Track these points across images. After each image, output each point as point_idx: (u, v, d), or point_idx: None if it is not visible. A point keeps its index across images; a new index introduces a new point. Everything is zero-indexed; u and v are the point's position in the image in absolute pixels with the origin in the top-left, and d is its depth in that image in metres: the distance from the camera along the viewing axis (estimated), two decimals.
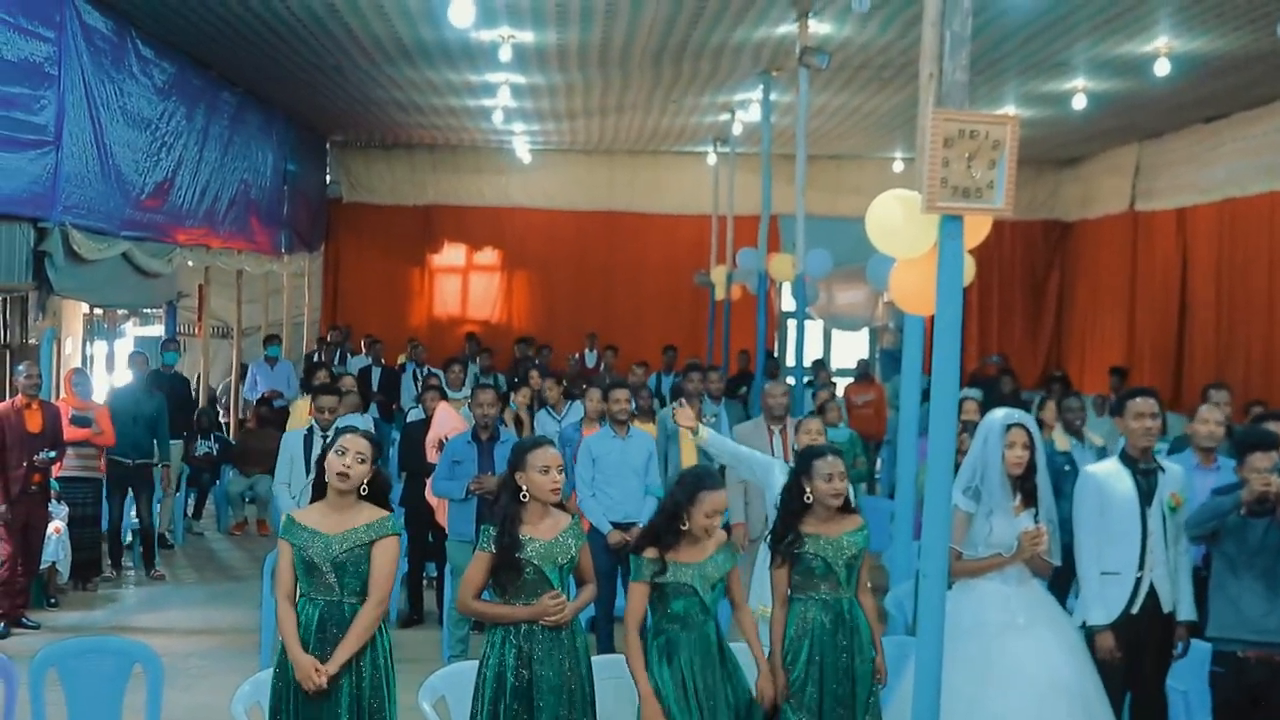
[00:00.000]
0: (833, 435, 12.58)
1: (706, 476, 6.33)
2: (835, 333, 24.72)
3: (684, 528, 6.15)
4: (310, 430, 10.67)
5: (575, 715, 6.00)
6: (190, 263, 16.49)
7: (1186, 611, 7.22)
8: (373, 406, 18.38)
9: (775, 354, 18.98)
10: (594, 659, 6.31)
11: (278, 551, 5.99)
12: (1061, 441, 10.69)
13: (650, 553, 6.16)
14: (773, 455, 9.64)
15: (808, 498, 6.56)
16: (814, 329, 23.23)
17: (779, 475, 8.42)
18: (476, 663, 6.16)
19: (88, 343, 17.12)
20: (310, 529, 5.90)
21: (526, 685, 5.92)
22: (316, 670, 5.74)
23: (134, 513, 13.61)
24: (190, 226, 15.75)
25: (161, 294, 15.99)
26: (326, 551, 5.85)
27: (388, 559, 5.95)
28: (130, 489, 13.32)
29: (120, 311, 17.63)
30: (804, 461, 6.70)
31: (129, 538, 13.85)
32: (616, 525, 10.12)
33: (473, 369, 16.38)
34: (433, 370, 17.42)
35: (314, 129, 22.28)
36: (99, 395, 13.52)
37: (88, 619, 11.78)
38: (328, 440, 10.21)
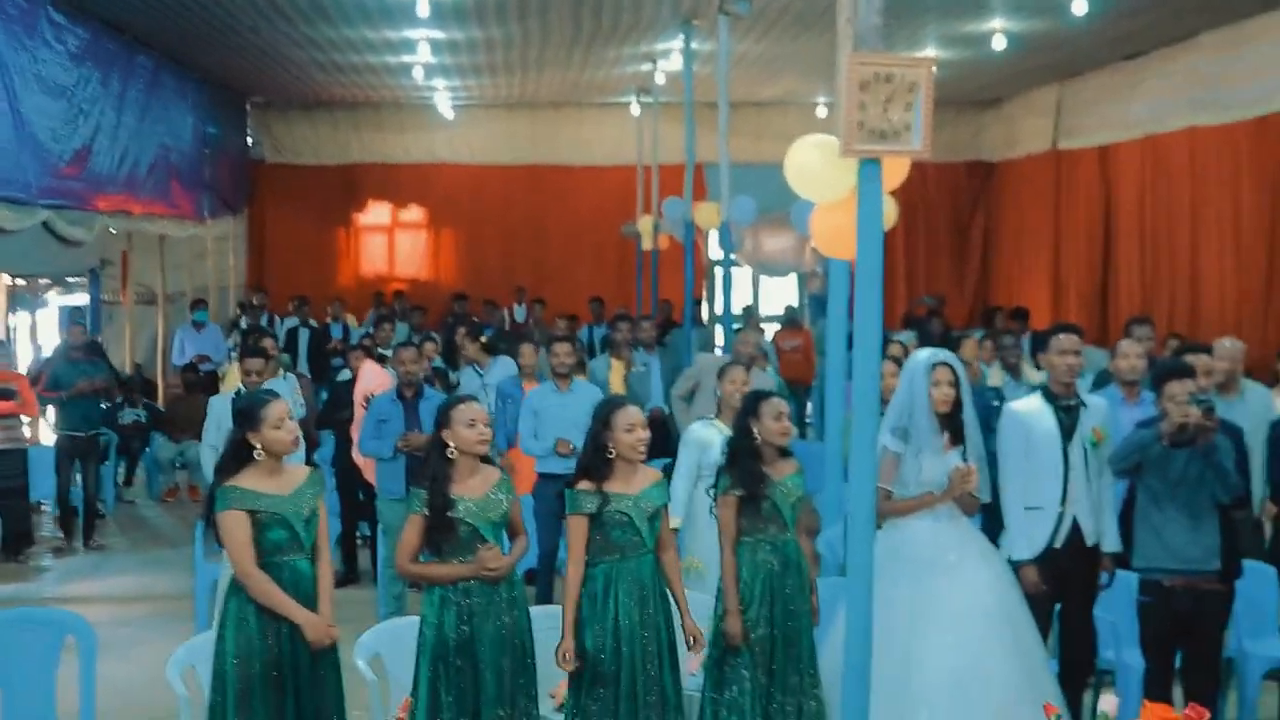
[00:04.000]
0: (759, 382, 12.64)
1: (614, 399, 6.61)
2: (764, 279, 24.75)
3: (610, 455, 6.23)
4: (238, 393, 10.46)
5: (516, 667, 6.07)
6: (112, 229, 16.30)
7: (1111, 543, 7.31)
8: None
9: (702, 301, 18.93)
10: (534, 610, 6.35)
11: (228, 525, 5.79)
12: (994, 377, 10.77)
13: (585, 485, 6.23)
14: None
15: (756, 438, 6.64)
16: (742, 276, 23.25)
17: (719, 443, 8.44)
18: (412, 619, 6.18)
19: (10, 313, 16.92)
20: (269, 494, 5.83)
21: (469, 640, 5.97)
22: (330, 625, 5.82)
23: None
24: (111, 193, 15.54)
25: (84, 261, 15.82)
26: (298, 513, 5.86)
27: (325, 514, 6.07)
28: (79, 459, 13.23)
29: (43, 280, 17.42)
30: (751, 404, 6.78)
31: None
32: (559, 475, 9.94)
33: (402, 327, 16.25)
34: (368, 331, 17.25)
35: (233, 91, 22.01)
36: (23, 365, 13.38)
37: (20, 591, 11.70)
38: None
